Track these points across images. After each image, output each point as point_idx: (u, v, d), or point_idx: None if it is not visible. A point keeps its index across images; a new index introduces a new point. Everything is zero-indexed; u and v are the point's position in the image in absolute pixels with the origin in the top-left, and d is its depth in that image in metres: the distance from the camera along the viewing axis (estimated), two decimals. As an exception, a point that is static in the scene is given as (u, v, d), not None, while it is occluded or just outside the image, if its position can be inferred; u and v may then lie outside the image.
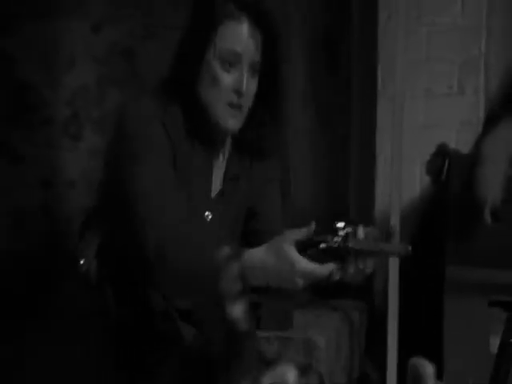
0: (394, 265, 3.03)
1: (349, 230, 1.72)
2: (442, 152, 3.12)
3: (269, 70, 2.05)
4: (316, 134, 3.52)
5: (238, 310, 1.14)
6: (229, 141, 2.11)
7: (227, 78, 1.97)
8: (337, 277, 1.70)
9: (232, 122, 2.00)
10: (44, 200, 3.35)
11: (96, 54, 3.28)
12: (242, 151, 2.12)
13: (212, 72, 1.98)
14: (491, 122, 3.11)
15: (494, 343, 2.82)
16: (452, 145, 3.26)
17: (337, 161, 3.67)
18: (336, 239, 1.71)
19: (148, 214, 1.87)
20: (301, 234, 1.71)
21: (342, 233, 1.72)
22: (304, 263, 1.69)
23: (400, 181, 3.10)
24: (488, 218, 2.81)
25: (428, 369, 1.19)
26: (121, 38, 3.25)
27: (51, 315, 2.25)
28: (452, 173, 3.05)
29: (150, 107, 2.00)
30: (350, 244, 1.68)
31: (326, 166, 3.61)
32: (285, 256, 1.69)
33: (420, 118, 3.42)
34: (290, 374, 1.02)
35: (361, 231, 1.72)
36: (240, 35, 1.99)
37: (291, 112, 3.16)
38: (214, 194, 2.08)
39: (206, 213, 2.06)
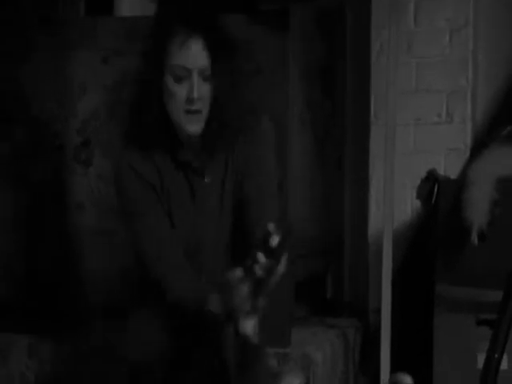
0: (386, 284, 3.03)
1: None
2: (431, 177, 3.26)
3: (223, 69, 2.17)
4: (312, 159, 3.47)
5: (249, 326, 1.18)
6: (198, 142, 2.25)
7: (180, 90, 2.13)
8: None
9: (192, 126, 2.16)
10: (57, 225, 3.31)
11: (105, 83, 3.21)
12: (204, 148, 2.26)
13: (168, 87, 2.14)
14: (478, 148, 3.26)
15: (482, 360, 2.84)
16: (441, 170, 3.34)
17: (332, 185, 3.67)
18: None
19: (151, 252, 2.21)
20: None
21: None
22: None
23: (392, 204, 3.10)
24: (475, 239, 2.94)
25: (407, 380, 1.23)
26: (128, 68, 2.90)
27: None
28: (441, 197, 3.13)
29: (129, 173, 2.23)
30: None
31: (321, 189, 3.57)
32: None
33: (411, 145, 3.44)
34: None
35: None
36: (185, 50, 2.14)
37: (290, 138, 3.18)
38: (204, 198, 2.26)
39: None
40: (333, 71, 3.67)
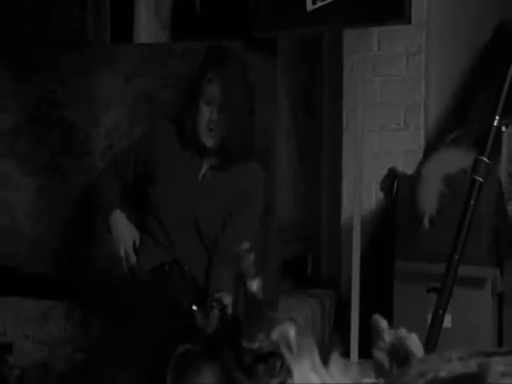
0: (356, 261, 3.04)
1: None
2: (392, 173, 3.28)
3: (232, 108, 2.49)
4: (296, 162, 3.51)
5: (255, 285, 1.28)
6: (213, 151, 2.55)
7: (206, 110, 2.49)
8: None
9: (208, 140, 2.51)
10: (87, 213, 3.24)
11: (126, 99, 3.24)
12: (222, 156, 2.55)
13: (200, 107, 2.47)
14: (429, 151, 3.31)
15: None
16: (400, 168, 3.38)
17: (312, 182, 3.73)
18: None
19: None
20: None
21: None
22: None
23: (360, 196, 3.13)
24: (426, 224, 3.03)
25: (383, 323, 1.21)
26: (146, 86, 3.21)
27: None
28: (399, 189, 3.18)
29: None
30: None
31: (303, 186, 3.61)
32: None
33: (375, 148, 3.49)
34: (291, 330, 1.09)
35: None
36: (213, 87, 2.47)
37: (278, 145, 3.18)
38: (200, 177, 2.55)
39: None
40: (312, 89, 3.67)
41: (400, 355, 1.16)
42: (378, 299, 3.13)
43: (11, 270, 3.30)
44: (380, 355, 1.17)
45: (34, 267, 3.33)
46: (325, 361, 1.06)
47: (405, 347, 1.15)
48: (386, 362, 1.17)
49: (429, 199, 3.03)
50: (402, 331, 1.17)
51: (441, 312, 2.28)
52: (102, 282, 3.12)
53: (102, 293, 2.90)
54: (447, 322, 2.72)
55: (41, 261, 3.33)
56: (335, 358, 1.05)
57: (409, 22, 2.86)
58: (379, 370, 1.17)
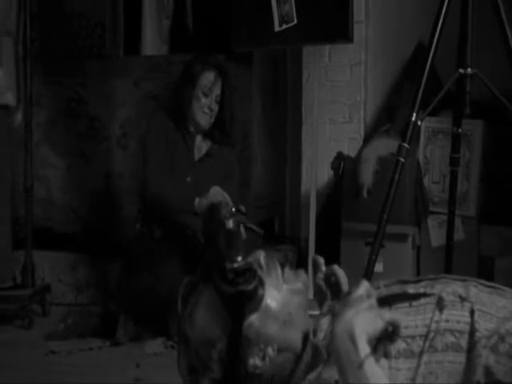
0: (312, 223, 3.09)
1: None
2: (339, 156, 3.33)
3: (225, 99, 2.63)
4: (266, 146, 3.59)
5: (230, 223, 1.45)
6: (201, 135, 2.66)
7: (203, 99, 2.59)
8: None
9: (203, 121, 2.63)
10: (105, 186, 3.41)
11: (136, 98, 3.36)
12: (211, 139, 2.69)
13: (197, 95, 2.58)
14: (367, 139, 3.45)
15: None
16: (345, 152, 3.44)
17: (278, 162, 3.80)
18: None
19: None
20: None
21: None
22: None
23: (316, 173, 3.21)
24: (365, 194, 3.13)
25: (321, 259, 1.27)
26: (151, 88, 3.31)
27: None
28: (345, 168, 3.25)
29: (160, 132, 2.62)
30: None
31: (271, 165, 3.69)
32: None
33: (327, 136, 3.54)
34: (262, 254, 1.16)
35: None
36: (209, 79, 2.60)
37: (252, 132, 3.29)
38: (196, 159, 2.68)
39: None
40: (279, 90, 3.79)
41: (332, 282, 1.26)
42: (329, 252, 3.14)
43: (48, 230, 3.43)
44: (319, 281, 1.27)
45: (65, 228, 3.47)
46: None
47: (335, 276, 1.26)
48: (323, 286, 1.27)
49: (367, 175, 3.11)
50: (334, 266, 1.27)
51: (373, 258, 2.26)
52: (118, 238, 3.23)
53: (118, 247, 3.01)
54: (379, 267, 2.79)
55: (70, 223, 3.47)
56: (288, 270, 1.20)
57: (352, 41, 3.07)
58: (318, 292, 1.27)
